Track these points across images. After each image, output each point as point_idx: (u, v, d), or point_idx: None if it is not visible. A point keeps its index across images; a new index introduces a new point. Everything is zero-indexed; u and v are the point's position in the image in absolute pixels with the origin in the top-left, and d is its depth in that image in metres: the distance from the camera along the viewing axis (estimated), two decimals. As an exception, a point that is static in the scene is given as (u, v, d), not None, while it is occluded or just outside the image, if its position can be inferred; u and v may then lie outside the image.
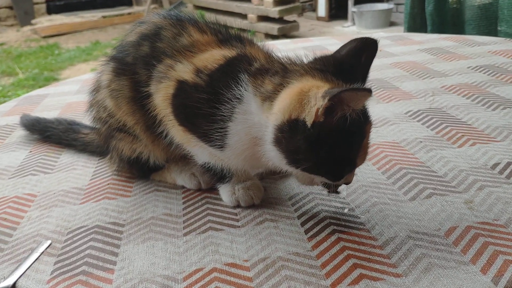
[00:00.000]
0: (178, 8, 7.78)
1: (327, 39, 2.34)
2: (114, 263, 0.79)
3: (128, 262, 0.79)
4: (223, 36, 0.93)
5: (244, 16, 6.81)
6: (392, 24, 6.30)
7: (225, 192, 0.94)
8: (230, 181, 0.94)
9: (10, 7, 7.96)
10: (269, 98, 0.78)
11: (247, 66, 0.83)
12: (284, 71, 0.81)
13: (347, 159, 0.77)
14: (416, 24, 3.86)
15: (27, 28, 7.79)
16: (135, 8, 8.79)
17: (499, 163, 1.00)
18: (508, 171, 0.96)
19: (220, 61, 0.85)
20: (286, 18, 6.76)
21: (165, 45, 0.90)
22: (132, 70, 0.94)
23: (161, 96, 0.88)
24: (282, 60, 0.86)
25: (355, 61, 0.82)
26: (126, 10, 8.70)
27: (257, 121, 0.80)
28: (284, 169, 0.81)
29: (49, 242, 0.86)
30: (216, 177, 0.94)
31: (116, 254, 0.81)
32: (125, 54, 0.96)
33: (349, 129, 0.72)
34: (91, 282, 0.75)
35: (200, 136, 0.86)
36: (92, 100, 1.04)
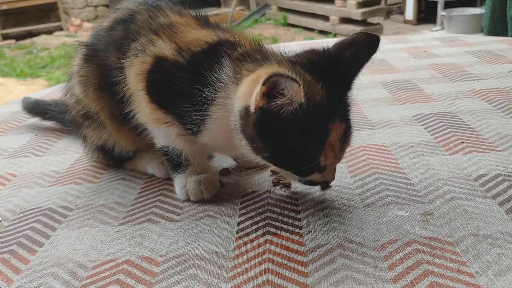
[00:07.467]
0: (263, 10, 7.84)
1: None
2: (42, 245, 0.79)
3: (54, 246, 0.78)
4: (203, 20, 0.91)
5: (326, 18, 6.70)
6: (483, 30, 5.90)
7: (178, 184, 0.91)
8: (186, 171, 0.90)
9: (106, 5, 8.42)
10: (239, 84, 0.77)
11: (230, 51, 0.81)
12: (263, 59, 0.79)
13: (305, 155, 0.73)
14: (497, 29, 3.58)
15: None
16: (222, 10, 8.96)
17: (486, 175, 0.88)
18: (491, 183, 0.84)
19: (204, 45, 0.83)
20: (370, 20, 6.57)
21: (139, 27, 0.89)
22: (101, 56, 0.93)
23: (135, 70, 0.86)
24: (268, 50, 0.84)
25: (340, 56, 0.79)
26: (214, 11, 8.88)
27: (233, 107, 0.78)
28: (255, 159, 0.79)
29: (-1, 220, 0.88)
30: (172, 164, 0.91)
31: (48, 237, 0.81)
32: (97, 40, 0.96)
33: (302, 122, 0.70)
34: (11, 261, 0.75)
35: (175, 116, 0.84)
36: (67, 86, 1.05)
